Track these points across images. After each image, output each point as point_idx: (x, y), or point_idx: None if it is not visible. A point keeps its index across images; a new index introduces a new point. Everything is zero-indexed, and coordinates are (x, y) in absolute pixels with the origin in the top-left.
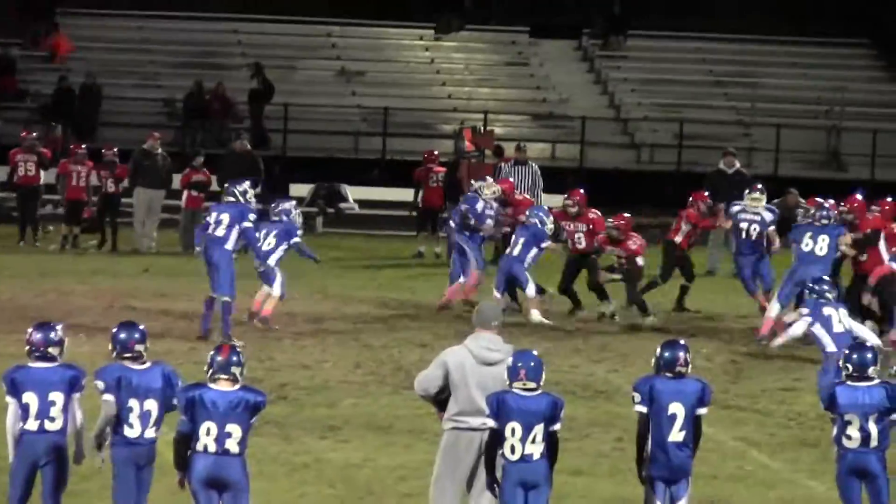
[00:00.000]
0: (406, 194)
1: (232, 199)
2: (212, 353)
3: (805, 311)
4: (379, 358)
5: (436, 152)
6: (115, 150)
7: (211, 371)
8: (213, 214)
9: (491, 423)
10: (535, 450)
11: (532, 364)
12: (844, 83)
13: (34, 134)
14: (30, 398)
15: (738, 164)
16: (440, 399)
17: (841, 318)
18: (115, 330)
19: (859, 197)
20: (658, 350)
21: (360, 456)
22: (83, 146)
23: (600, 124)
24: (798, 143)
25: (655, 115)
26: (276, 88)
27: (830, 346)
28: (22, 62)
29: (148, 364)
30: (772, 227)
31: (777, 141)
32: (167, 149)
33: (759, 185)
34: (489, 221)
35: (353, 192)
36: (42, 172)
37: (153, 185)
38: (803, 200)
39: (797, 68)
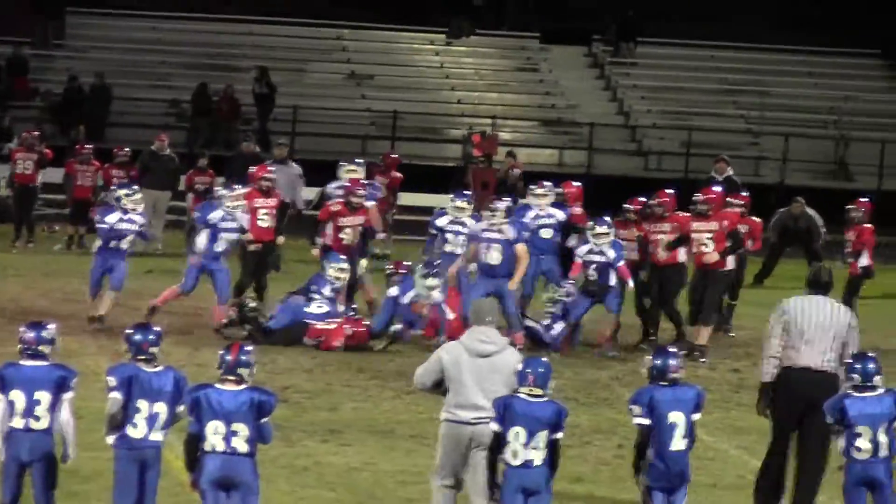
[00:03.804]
0: (414, 198)
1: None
2: (221, 352)
3: None
4: (381, 362)
5: (394, 154)
6: (127, 150)
7: (220, 371)
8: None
9: (495, 426)
10: (537, 456)
11: (541, 370)
12: (853, 93)
13: (35, 133)
14: (16, 396)
15: (729, 171)
16: (443, 392)
17: None
18: (129, 331)
19: (717, 189)
20: (649, 360)
21: (361, 460)
22: (88, 146)
23: (609, 131)
24: (806, 153)
25: (664, 123)
26: (285, 91)
27: None
28: (33, 61)
29: (160, 367)
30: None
31: (785, 150)
32: (176, 150)
33: (545, 182)
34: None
35: None
36: (40, 172)
37: (159, 186)
38: (809, 209)
39: (806, 77)
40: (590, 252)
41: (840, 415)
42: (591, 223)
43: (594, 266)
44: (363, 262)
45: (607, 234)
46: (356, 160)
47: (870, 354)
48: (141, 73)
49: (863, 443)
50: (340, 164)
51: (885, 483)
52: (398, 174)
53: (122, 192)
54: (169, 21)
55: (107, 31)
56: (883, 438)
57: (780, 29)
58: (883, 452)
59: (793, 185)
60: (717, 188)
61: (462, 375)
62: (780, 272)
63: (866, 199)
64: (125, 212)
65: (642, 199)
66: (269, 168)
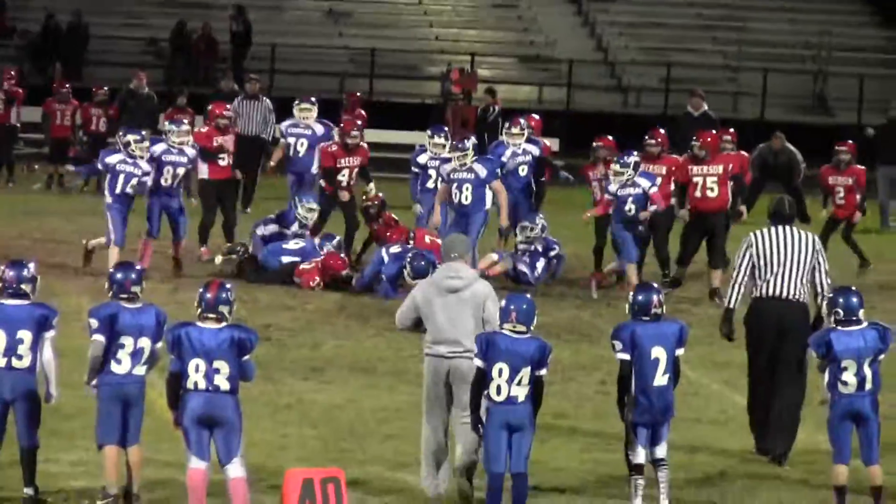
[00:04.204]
0: (393, 136)
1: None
2: (201, 290)
3: None
4: (362, 300)
5: (357, 93)
6: (105, 89)
7: (199, 309)
8: None
9: (478, 362)
10: (521, 392)
11: (524, 307)
12: (831, 27)
13: (11, 71)
14: None
15: (705, 107)
16: (424, 330)
17: None
18: (112, 270)
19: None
20: (631, 295)
21: (343, 397)
22: (67, 85)
23: (587, 67)
24: (785, 88)
25: (643, 59)
26: (262, 29)
27: None
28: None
29: (141, 304)
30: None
31: (764, 85)
32: (154, 88)
33: (521, 120)
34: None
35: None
36: (12, 111)
37: (138, 124)
38: (789, 144)
39: (785, 12)
40: (622, 187)
41: (826, 349)
42: (616, 158)
43: (631, 199)
44: (371, 186)
45: (625, 172)
46: (311, 98)
47: (852, 289)
48: (117, 12)
49: (848, 377)
50: (295, 102)
51: (870, 416)
52: (362, 112)
53: (132, 137)
54: None
55: None
56: (868, 372)
57: None
58: (868, 386)
59: (771, 121)
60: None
61: (434, 312)
62: (761, 207)
63: (851, 141)
64: (131, 156)
65: (610, 137)
66: (227, 105)
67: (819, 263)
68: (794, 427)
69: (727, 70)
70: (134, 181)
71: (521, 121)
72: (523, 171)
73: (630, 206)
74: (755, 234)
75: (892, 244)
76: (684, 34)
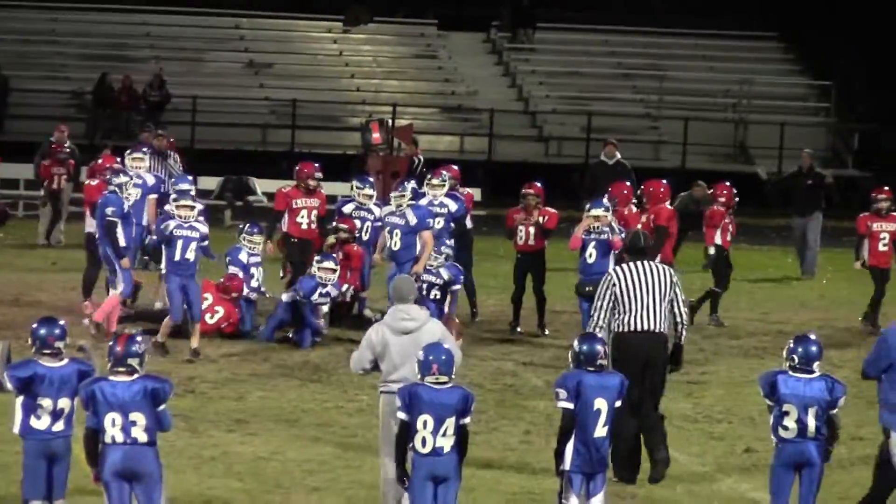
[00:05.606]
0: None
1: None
2: (110, 344)
3: None
4: (287, 351)
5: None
6: (69, 144)
7: (110, 364)
8: None
9: (402, 415)
10: (446, 443)
11: (443, 357)
12: (752, 76)
13: None
14: None
15: (618, 155)
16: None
17: None
18: (35, 325)
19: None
20: (575, 345)
21: (267, 449)
22: None
23: (508, 117)
24: (706, 136)
25: (563, 108)
26: (183, 80)
27: None
28: None
29: (65, 361)
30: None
31: (685, 134)
32: (76, 141)
33: (443, 171)
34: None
35: (261, 185)
36: None
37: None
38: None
39: (705, 61)
40: (592, 231)
41: (770, 389)
42: (588, 205)
43: (593, 244)
44: (330, 239)
45: (605, 214)
46: (143, 148)
47: (813, 337)
48: (38, 65)
49: (789, 422)
50: (126, 152)
51: (816, 462)
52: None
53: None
54: (65, 12)
55: (3, 22)
56: (811, 421)
57: (675, 12)
58: (810, 434)
59: (693, 169)
60: (664, 181)
61: (390, 353)
62: (682, 257)
63: (887, 188)
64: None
65: (538, 183)
66: (115, 158)
67: (676, 295)
68: (640, 452)
69: (648, 119)
70: (193, 245)
71: (444, 172)
72: (439, 223)
73: (591, 252)
74: (615, 271)
75: (810, 291)
76: (604, 83)
